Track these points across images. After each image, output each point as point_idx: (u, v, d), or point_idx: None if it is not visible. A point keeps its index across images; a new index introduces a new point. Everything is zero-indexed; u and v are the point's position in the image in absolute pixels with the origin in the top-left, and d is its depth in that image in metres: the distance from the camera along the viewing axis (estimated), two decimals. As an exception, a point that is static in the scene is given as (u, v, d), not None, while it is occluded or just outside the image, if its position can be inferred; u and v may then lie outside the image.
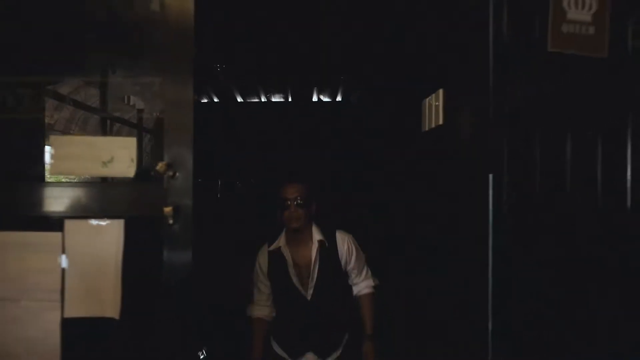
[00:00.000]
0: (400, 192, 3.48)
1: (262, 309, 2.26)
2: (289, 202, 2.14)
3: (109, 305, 1.35)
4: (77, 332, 1.39)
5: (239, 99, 6.44)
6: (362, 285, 2.28)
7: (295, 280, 2.16)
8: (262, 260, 2.23)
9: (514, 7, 1.59)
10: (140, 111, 2.40)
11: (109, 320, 1.34)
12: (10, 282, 1.35)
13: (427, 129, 2.48)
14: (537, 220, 1.54)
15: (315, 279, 2.15)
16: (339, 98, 6.41)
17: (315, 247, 2.16)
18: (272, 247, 2.22)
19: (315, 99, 6.44)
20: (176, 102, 1.35)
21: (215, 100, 6.49)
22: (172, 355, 1.34)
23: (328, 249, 2.17)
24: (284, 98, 6.45)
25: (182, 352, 1.34)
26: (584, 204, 1.43)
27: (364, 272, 2.28)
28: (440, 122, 2.25)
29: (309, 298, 2.17)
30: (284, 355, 2.25)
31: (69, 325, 1.35)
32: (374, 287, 2.30)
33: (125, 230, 1.33)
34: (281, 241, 2.21)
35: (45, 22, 1.62)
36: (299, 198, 2.15)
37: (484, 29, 1.62)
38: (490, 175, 1.57)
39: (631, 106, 1.35)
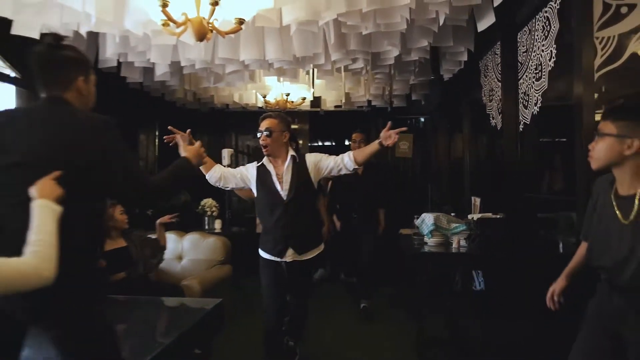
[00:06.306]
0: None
1: (222, 169, 2.67)
2: (261, 133, 2.58)
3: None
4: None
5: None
6: (341, 156, 2.56)
7: (276, 184, 2.58)
8: (251, 169, 2.66)
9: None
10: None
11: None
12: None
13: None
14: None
15: (289, 183, 2.57)
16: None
17: (289, 159, 2.60)
18: (258, 164, 2.65)
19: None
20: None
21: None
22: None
23: (298, 163, 2.61)
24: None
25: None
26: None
27: (336, 156, 2.59)
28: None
29: (285, 199, 2.56)
30: (272, 257, 2.63)
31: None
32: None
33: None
34: (264, 160, 2.63)
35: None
36: (268, 129, 2.55)
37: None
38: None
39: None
